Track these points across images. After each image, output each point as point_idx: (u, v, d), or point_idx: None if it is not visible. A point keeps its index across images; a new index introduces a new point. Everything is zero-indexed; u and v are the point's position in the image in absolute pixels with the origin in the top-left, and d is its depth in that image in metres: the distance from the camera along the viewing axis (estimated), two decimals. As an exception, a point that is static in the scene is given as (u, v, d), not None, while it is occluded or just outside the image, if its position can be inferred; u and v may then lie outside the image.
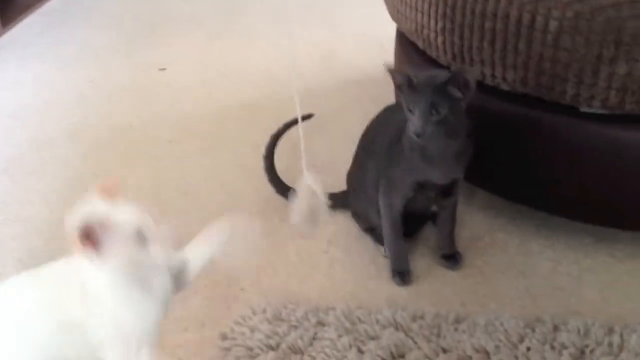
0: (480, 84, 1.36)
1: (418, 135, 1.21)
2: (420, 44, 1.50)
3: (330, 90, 2.11)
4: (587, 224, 1.41)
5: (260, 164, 1.61)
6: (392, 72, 1.28)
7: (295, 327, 1.29)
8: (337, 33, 2.54)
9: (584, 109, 1.23)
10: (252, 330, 1.29)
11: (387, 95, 1.86)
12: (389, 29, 1.81)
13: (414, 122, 1.21)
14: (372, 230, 1.50)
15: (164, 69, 2.38)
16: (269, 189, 1.68)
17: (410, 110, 1.22)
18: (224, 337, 1.29)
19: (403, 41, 1.64)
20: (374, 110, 1.49)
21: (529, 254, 1.42)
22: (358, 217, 1.54)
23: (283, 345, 1.25)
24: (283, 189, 1.59)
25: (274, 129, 1.60)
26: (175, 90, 2.24)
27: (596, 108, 1.21)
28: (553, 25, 1.18)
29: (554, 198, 1.39)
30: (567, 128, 1.28)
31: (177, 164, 1.84)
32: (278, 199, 1.65)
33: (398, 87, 1.28)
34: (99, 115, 2.12)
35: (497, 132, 1.35)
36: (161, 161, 1.86)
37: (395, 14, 1.61)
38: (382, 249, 1.46)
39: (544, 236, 1.46)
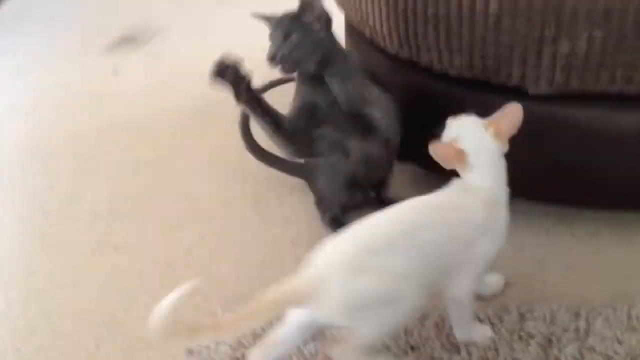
0: (429, 71, 1.34)
1: (272, 59, 1.33)
2: (367, 32, 1.47)
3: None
4: (547, 206, 1.39)
5: (220, 166, 1.57)
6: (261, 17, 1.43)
7: (260, 336, 1.26)
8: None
9: (532, 91, 1.21)
10: (218, 343, 1.26)
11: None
12: (341, 18, 1.77)
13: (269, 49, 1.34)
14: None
15: (117, 73, 2.33)
16: (230, 193, 1.66)
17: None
18: (189, 352, 1.26)
19: (351, 30, 1.61)
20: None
21: (492, 240, 1.40)
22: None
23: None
24: (262, 154, 1.59)
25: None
26: (129, 94, 2.19)
27: (543, 89, 1.19)
28: (493, 7, 1.15)
29: (512, 181, 1.36)
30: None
31: (135, 172, 1.80)
32: (240, 201, 1.63)
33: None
34: (54, 125, 2.08)
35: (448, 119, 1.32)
36: (119, 170, 1.82)
37: (340, 3, 1.58)
38: None
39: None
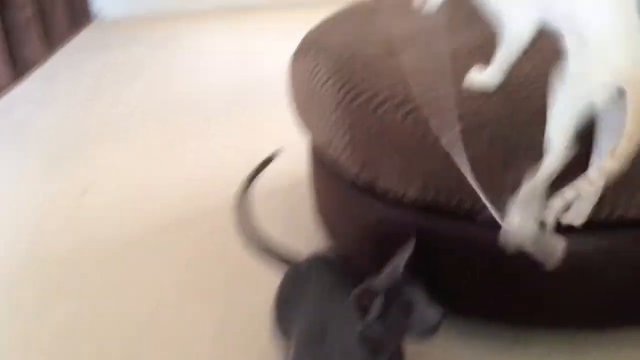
0: (385, 196, 1.38)
1: None
2: (328, 156, 1.52)
3: (258, 198, 2.10)
4: (500, 327, 1.43)
5: (189, 286, 1.54)
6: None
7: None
8: (263, 141, 2.56)
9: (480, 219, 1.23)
10: None
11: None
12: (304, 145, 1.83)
13: None
14: None
15: (85, 192, 2.33)
16: (195, 317, 1.65)
17: None
18: None
19: (315, 157, 1.68)
20: (305, 217, 1.46)
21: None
22: None
23: None
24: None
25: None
26: (97, 214, 2.19)
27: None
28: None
29: (474, 302, 1.39)
30: (469, 235, 1.32)
31: (100, 293, 1.79)
32: (206, 324, 1.61)
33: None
34: (14, 248, 2.05)
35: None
36: (80, 297, 1.79)
37: (306, 126, 1.65)
38: None
39: (467, 343, 1.45)
